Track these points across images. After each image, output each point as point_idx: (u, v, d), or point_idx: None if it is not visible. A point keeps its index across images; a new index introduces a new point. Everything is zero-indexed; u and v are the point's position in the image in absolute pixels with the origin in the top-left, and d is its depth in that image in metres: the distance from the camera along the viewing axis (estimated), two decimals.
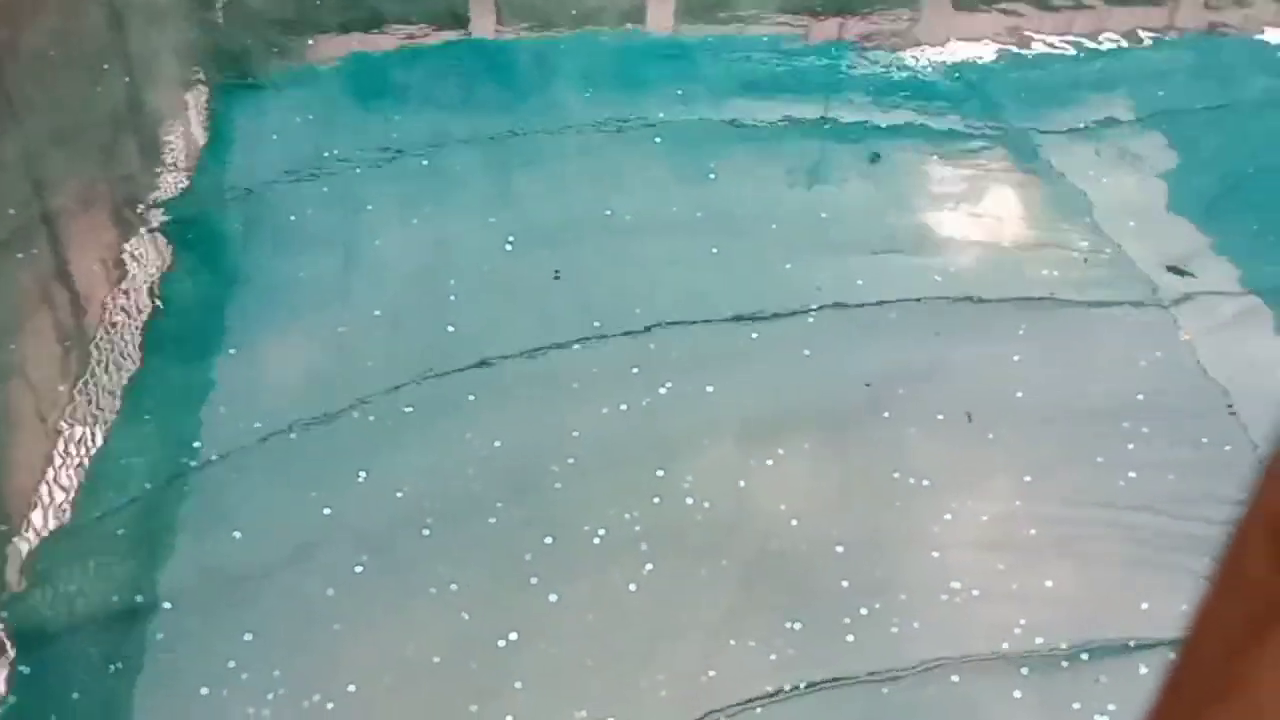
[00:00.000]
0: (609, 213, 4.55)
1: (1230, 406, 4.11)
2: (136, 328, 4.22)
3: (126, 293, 4.35)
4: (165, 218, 4.76)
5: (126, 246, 4.56)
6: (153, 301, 4.35)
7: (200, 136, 5.43)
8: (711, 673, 3.27)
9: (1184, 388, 4.17)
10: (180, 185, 5.04)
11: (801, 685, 3.27)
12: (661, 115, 5.10)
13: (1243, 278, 4.78)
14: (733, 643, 3.34)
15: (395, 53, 6.05)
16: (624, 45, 5.93)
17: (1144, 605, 3.39)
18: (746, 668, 3.29)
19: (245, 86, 5.75)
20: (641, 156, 4.90)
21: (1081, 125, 5.78)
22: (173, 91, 5.68)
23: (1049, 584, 3.45)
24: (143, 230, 4.67)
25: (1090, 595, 3.45)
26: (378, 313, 4.13)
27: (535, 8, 6.30)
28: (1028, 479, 3.79)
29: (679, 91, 5.27)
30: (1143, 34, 6.58)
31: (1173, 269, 4.85)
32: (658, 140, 4.98)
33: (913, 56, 6.24)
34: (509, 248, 4.40)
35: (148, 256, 4.58)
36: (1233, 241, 5.01)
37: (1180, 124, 5.86)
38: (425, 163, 4.89)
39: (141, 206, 4.76)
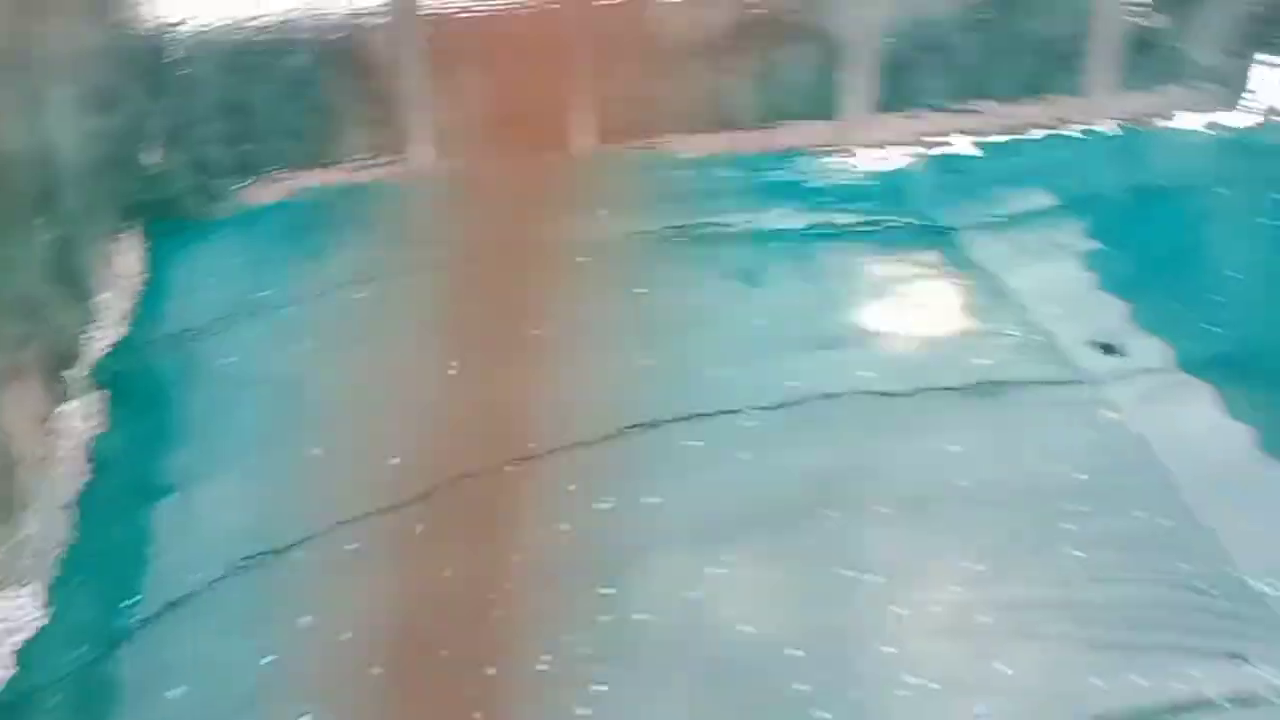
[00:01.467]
0: (536, 333, 4.60)
1: (1167, 480, 4.15)
2: (71, 490, 4.15)
3: (60, 456, 4.29)
4: (99, 373, 4.73)
5: (59, 407, 4.51)
6: (87, 462, 4.29)
7: (136, 285, 5.44)
8: None
9: (1122, 464, 4.21)
10: (114, 337, 5.03)
11: None
12: (581, 235, 5.19)
13: (1170, 355, 4.87)
14: None
15: (333, 189, 6.14)
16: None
17: (1098, 682, 3.36)
18: None
19: (181, 231, 5.80)
20: (566, 275, 4.97)
21: (1003, 217, 5.96)
22: (107, 241, 5.70)
23: (1009, 671, 3.41)
24: (75, 388, 4.63)
25: (1048, 677, 3.41)
26: (317, 451, 4.10)
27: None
28: (979, 567, 3.78)
29: (603, 211, 5.37)
30: (1058, 128, 6.82)
31: (1103, 347, 4.94)
32: (580, 259, 5.06)
33: (837, 162, 6.44)
34: (452, 373, 4.42)
35: (81, 415, 4.54)
36: (1157, 321, 5.11)
37: (1098, 211, 6.05)
38: (361, 296, 4.92)
39: (75, 364, 4.74)
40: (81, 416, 4.49)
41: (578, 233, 5.23)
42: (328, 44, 6.19)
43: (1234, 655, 3.47)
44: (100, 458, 4.28)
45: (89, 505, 4.05)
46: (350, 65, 6.37)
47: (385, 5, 6.19)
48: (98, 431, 4.43)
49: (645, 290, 4.90)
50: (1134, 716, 3.27)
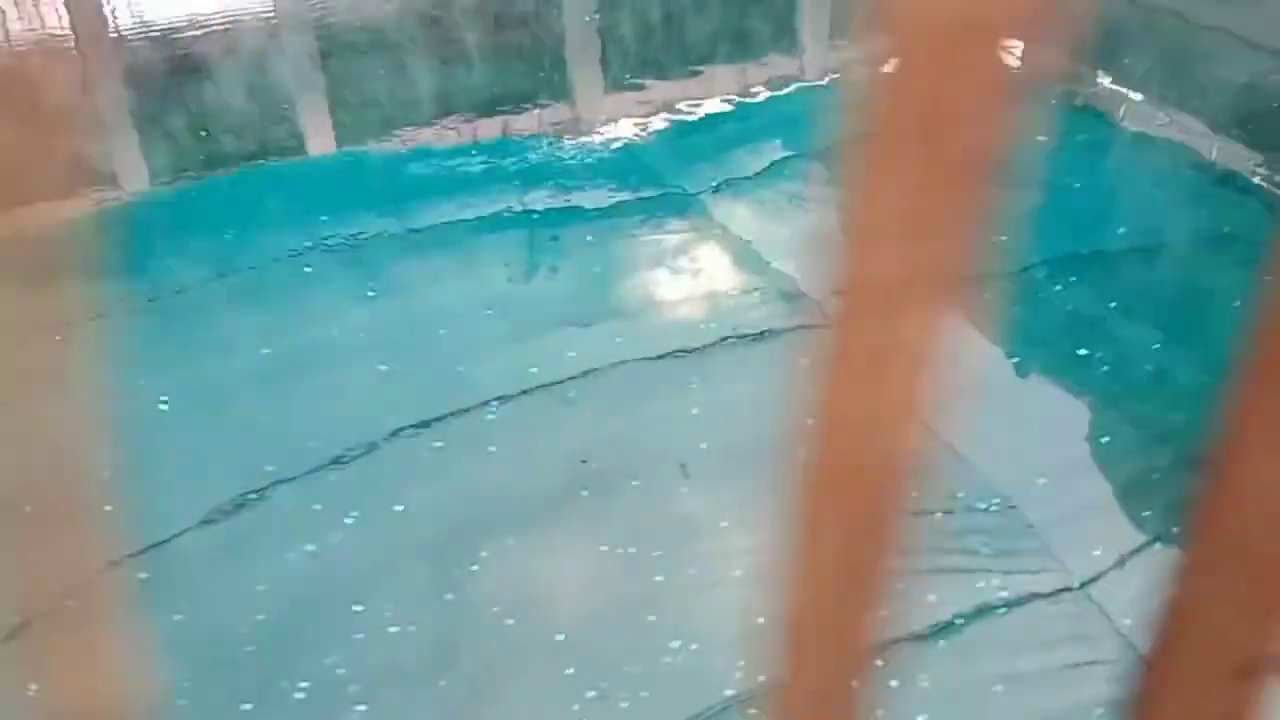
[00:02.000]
0: (266, 352, 4.39)
1: None
2: None
3: None
4: None
5: None
6: None
7: None
8: None
9: None
10: None
11: None
12: (307, 242, 5.00)
13: None
14: None
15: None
16: (279, 176, 5.84)
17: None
18: None
19: None
20: (296, 285, 4.78)
21: (742, 176, 6.07)
22: None
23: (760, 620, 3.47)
24: None
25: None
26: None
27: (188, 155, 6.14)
28: (726, 523, 3.84)
29: (323, 217, 5.19)
30: (785, 85, 7.00)
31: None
32: (308, 269, 4.87)
33: (574, 141, 6.42)
34: (164, 408, 4.17)
35: None
36: None
37: (831, 161, 6.23)
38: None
39: None
40: None
41: (299, 241, 5.03)
42: None
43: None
44: None
45: None
46: None
47: None
48: None
49: (375, 295, 4.74)
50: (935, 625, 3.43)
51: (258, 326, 4.52)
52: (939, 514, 3.88)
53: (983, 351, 4.67)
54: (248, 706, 3.22)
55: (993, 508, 3.91)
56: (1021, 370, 4.69)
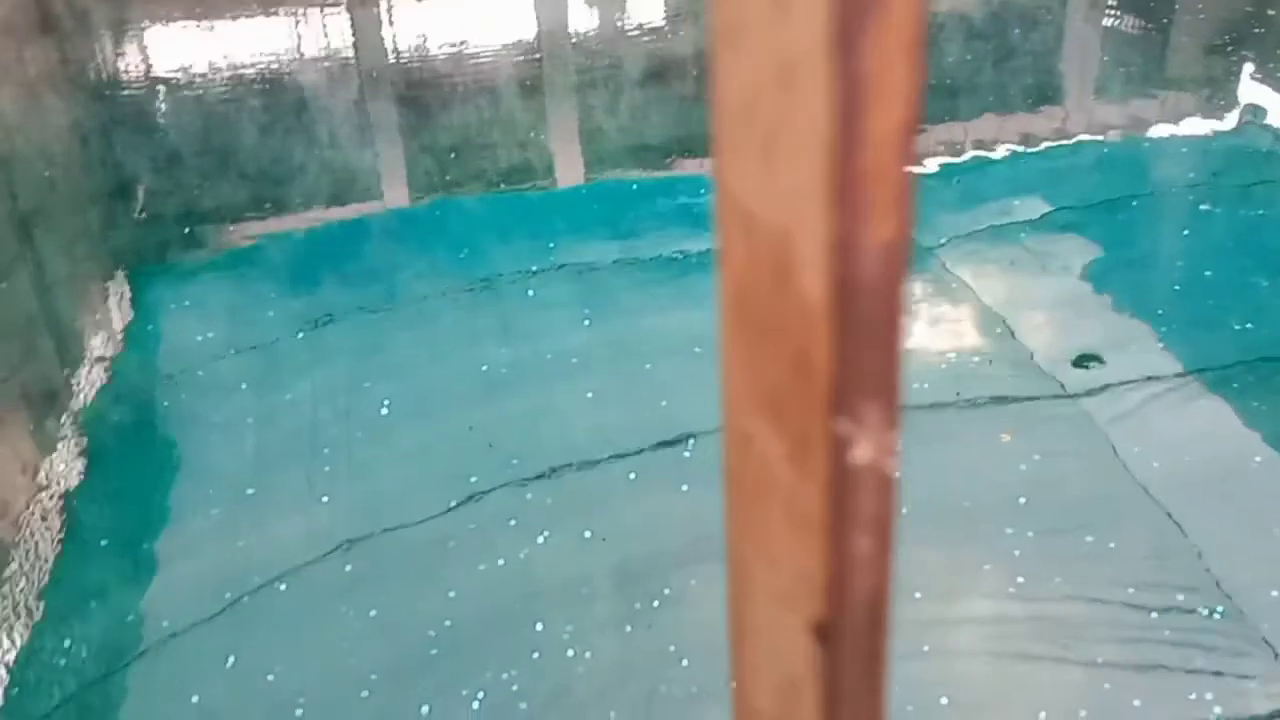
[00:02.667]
0: (485, 368, 4.56)
1: (1149, 493, 4.04)
2: (55, 535, 4.17)
3: (43, 500, 4.32)
4: (84, 419, 4.77)
5: (44, 452, 4.55)
6: (70, 507, 4.31)
7: (119, 332, 5.49)
8: None
9: (1102, 478, 4.10)
10: (99, 383, 5.07)
11: None
12: (535, 266, 5.16)
13: (1151, 365, 4.75)
14: None
15: (310, 231, 6.18)
16: (522, 201, 6.08)
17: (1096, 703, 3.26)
18: None
19: (163, 276, 5.86)
20: (519, 306, 4.95)
21: (982, 231, 5.85)
22: (91, 289, 5.78)
23: (944, 701, 3.31)
24: (61, 434, 4.66)
25: (1038, 701, 3.31)
26: (250, 492, 4.09)
27: (444, 172, 6.48)
28: (950, 587, 3.68)
29: (551, 245, 5.35)
30: (1039, 139, 6.74)
31: (1079, 362, 4.84)
32: (531, 293, 5.03)
33: None
34: (385, 411, 4.39)
35: (66, 460, 4.56)
36: (1141, 331, 5.00)
37: (1081, 222, 5.94)
38: (300, 337, 4.92)
39: (60, 410, 4.78)
40: (66, 459, 4.53)
41: (524, 265, 5.21)
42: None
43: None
44: (84, 498, 4.30)
45: (73, 547, 4.06)
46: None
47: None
48: (85, 473, 4.46)
49: (592, 322, 4.84)
50: None
51: (478, 342, 4.71)
52: (1156, 611, 3.60)
53: (1241, 440, 4.32)
54: (425, 709, 3.33)
55: (1217, 613, 3.59)
56: (1270, 463, 4.30)
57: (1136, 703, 3.31)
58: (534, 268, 5.24)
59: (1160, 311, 5.06)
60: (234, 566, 3.79)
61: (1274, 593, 3.63)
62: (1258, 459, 4.21)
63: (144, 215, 6.41)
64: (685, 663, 3.43)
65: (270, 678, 3.40)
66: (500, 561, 3.72)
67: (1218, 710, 3.29)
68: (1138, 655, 3.49)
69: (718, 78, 0.56)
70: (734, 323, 0.61)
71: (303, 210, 6.21)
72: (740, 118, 0.55)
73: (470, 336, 4.73)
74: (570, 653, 3.44)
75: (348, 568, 3.78)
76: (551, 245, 5.38)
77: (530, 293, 5.03)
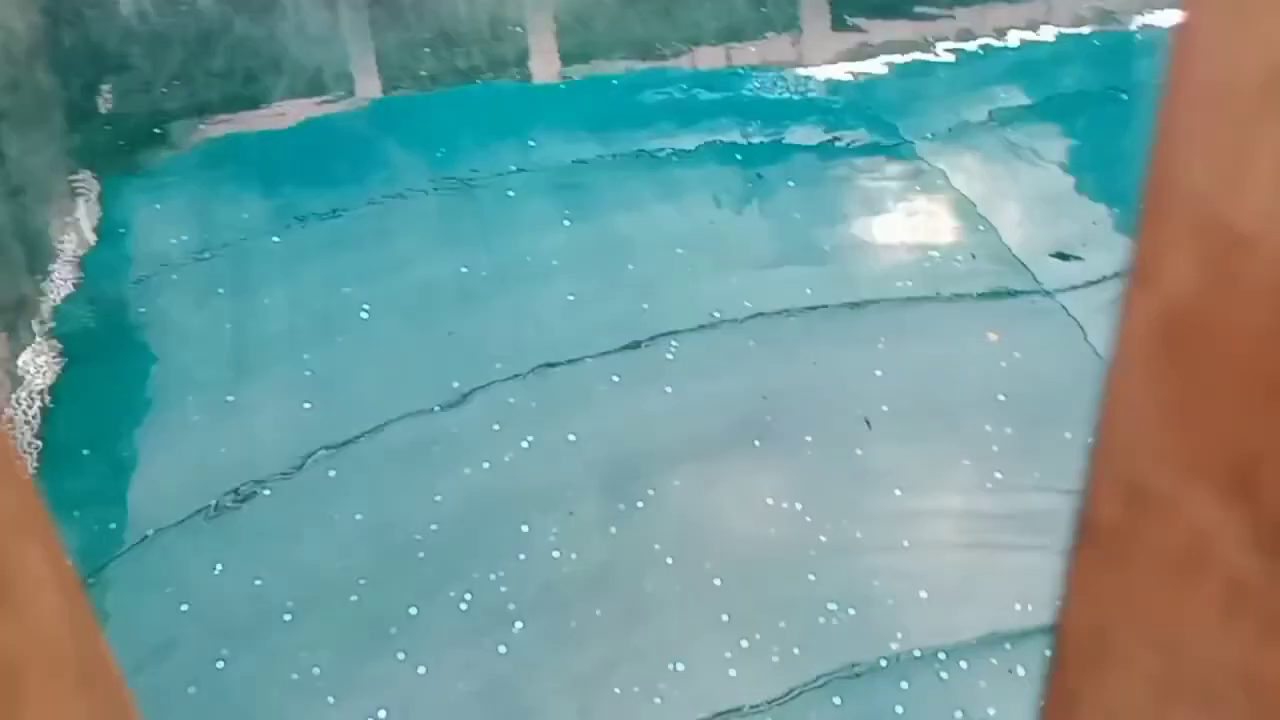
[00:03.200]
0: (464, 270, 4.50)
1: None
2: (31, 442, 4.14)
3: (18, 403, 4.28)
4: (56, 321, 4.71)
5: (18, 357, 4.50)
6: (44, 409, 4.28)
7: (90, 233, 5.39)
8: None
9: (1080, 373, 4.13)
10: (71, 285, 4.99)
11: None
12: (513, 166, 5.06)
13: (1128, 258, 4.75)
14: (616, 691, 3.25)
15: (281, 129, 6.04)
16: (498, 95, 5.95)
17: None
18: (632, 714, 3.21)
19: (133, 176, 5.73)
20: (499, 206, 4.86)
21: (964, 124, 5.79)
22: (59, 192, 5.65)
23: (923, 594, 3.38)
24: (33, 341, 4.61)
25: (1003, 587, 3.39)
26: (231, 398, 4.07)
27: (418, 66, 6.32)
28: (910, 483, 3.73)
29: (530, 144, 5.24)
30: (1019, 32, 6.61)
31: (1058, 255, 4.84)
32: (511, 193, 4.94)
33: (797, 77, 6.26)
34: (365, 315, 4.34)
35: (40, 363, 4.52)
36: (1123, 224, 4.99)
37: (1065, 114, 5.88)
38: (276, 240, 4.84)
39: (31, 316, 4.71)
40: (39, 362, 4.48)
41: (506, 163, 5.10)
42: None
43: None
44: (58, 401, 4.27)
45: (48, 451, 4.05)
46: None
47: None
48: (58, 376, 4.42)
49: (573, 222, 4.76)
50: None
51: (456, 244, 4.64)
52: None
53: None
54: (414, 610, 3.37)
55: None
56: None
57: None
58: (512, 166, 5.15)
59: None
60: (217, 473, 3.79)
61: None
62: None
63: (111, 114, 6.24)
64: (670, 561, 3.48)
65: (258, 583, 3.43)
66: (485, 465, 3.73)
67: None
68: None
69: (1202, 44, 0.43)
70: (1160, 355, 0.47)
71: (273, 107, 6.05)
72: (1243, 95, 0.41)
73: (449, 238, 4.65)
74: (556, 554, 3.48)
75: (331, 473, 3.78)
76: (531, 143, 5.28)
77: (509, 192, 4.95)
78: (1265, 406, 0.43)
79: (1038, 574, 3.49)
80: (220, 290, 4.68)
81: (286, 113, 6.13)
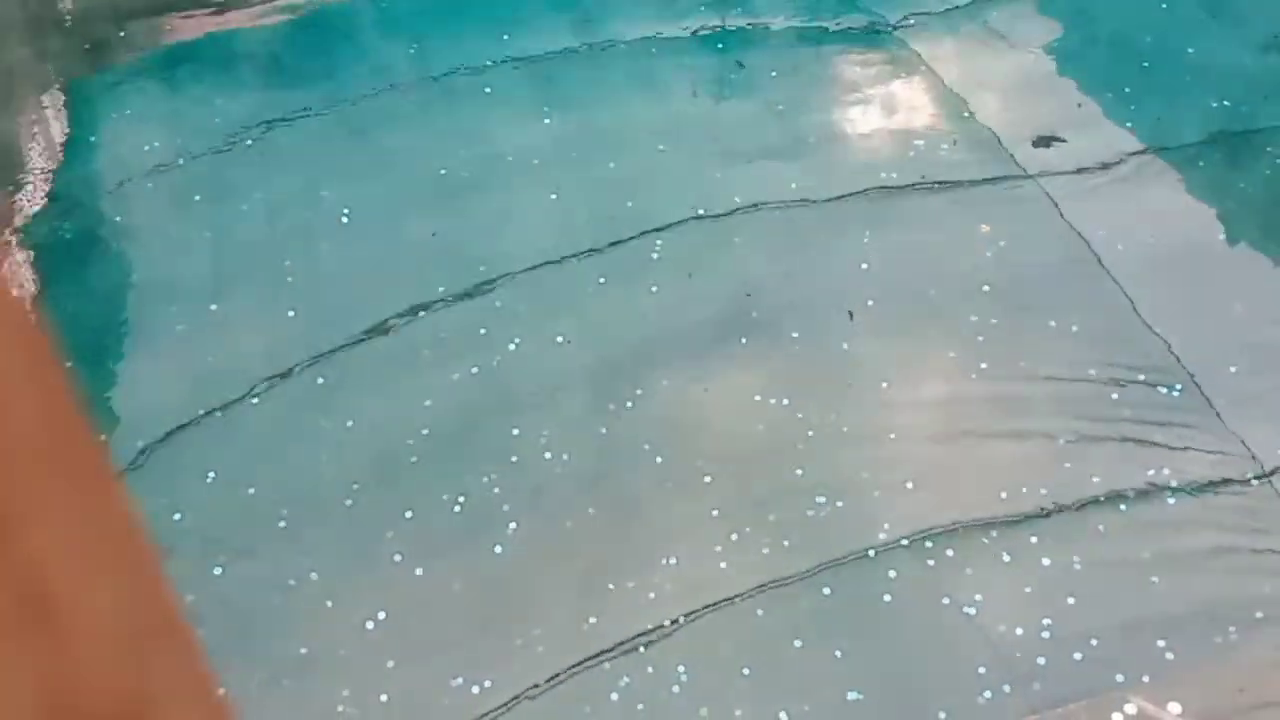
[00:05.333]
0: (444, 171, 4.43)
1: (1110, 274, 4.09)
2: None
3: None
4: (29, 234, 4.64)
5: None
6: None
7: (59, 142, 5.28)
8: (592, 620, 3.26)
9: (1065, 261, 4.14)
10: (43, 197, 4.91)
11: (682, 618, 3.26)
12: (489, 60, 4.94)
13: (1116, 145, 4.71)
14: (611, 587, 3.32)
15: (249, 27, 5.87)
16: None
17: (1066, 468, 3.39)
18: (627, 608, 3.28)
19: (99, 82, 5.59)
20: (475, 104, 4.76)
21: (944, 8, 5.67)
22: (22, 101, 5.52)
23: (909, 485, 3.43)
24: (8, 252, 4.54)
25: (1001, 474, 3.44)
26: (214, 307, 4.04)
27: None
28: (894, 375, 3.75)
29: (505, 37, 5.11)
30: None
31: (1040, 141, 4.80)
32: (488, 90, 4.84)
33: None
34: (345, 220, 4.29)
35: (15, 278, 4.47)
36: (1107, 106, 4.93)
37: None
38: (250, 144, 4.74)
39: (3, 225, 4.64)
40: (16, 277, 4.43)
41: (479, 58, 4.97)
42: None
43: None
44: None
45: None
46: None
47: None
48: (36, 290, 4.38)
49: (552, 118, 4.67)
50: (1092, 502, 3.36)
51: (435, 143, 4.56)
52: (1116, 390, 3.70)
53: (1198, 214, 4.35)
54: (409, 514, 3.41)
55: (1176, 387, 3.70)
56: (1237, 238, 4.33)
57: (1095, 479, 3.45)
58: (488, 61, 5.03)
59: (1127, 90, 4.98)
60: (204, 382, 3.78)
61: (1232, 369, 3.74)
62: (1220, 237, 4.25)
63: (73, 16, 6.05)
64: (659, 459, 3.51)
65: (251, 491, 3.46)
66: (474, 369, 3.74)
67: (1173, 483, 3.44)
68: (1096, 433, 3.61)
69: None
70: None
71: (241, 5, 5.88)
72: None
73: (427, 138, 4.57)
74: (548, 455, 3.51)
75: (320, 380, 3.78)
76: (505, 36, 5.15)
77: (486, 89, 4.85)
78: None
79: (1022, 461, 3.55)
80: (196, 198, 4.60)
81: (254, 11, 5.96)
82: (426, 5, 5.59)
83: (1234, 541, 3.38)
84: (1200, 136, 4.69)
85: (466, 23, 5.32)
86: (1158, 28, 5.38)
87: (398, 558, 3.33)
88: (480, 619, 3.22)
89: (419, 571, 3.30)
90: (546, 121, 4.62)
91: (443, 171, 4.40)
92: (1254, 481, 3.47)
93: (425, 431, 3.60)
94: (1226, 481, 3.51)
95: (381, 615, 3.22)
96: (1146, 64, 5.16)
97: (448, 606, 3.24)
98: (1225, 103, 4.75)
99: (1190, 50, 5.12)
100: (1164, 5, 5.46)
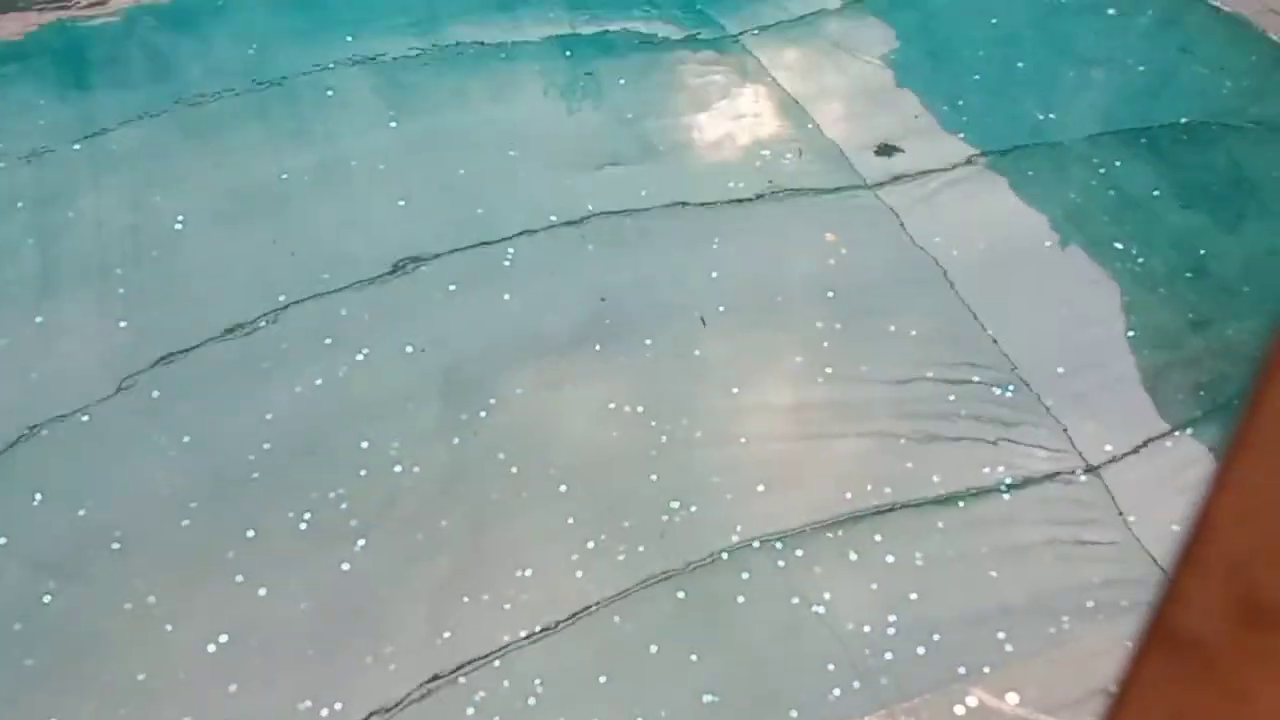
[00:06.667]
0: (285, 176, 4.30)
1: (945, 277, 4.23)
2: None
3: None
4: None
5: None
6: None
7: None
8: (446, 634, 3.20)
9: (904, 266, 4.26)
10: None
11: (538, 629, 3.23)
12: (332, 62, 4.82)
13: (950, 153, 4.89)
14: (465, 600, 3.27)
15: (77, 25, 5.58)
16: None
17: (906, 467, 3.47)
18: (482, 621, 3.23)
19: None
20: (317, 106, 4.63)
21: (788, 19, 5.79)
22: None
23: (760, 488, 3.49)
24: None
25: (844, 476, 3.51)
26: (39, 319, 3.82)
27: None
28: (739, 379, 3.81)
29: (349, 39, 4.99)
30: None
31: (881, 150, 4.94)
32: (330, 92, 4.72)
33: None
34: (179, 227, 4.11)
35: None
36: (942, 116, 5.12)
37: (883, 7, 5.93)
38: (77, 147, 4.50)
39: None
40: None
41: (324, 59, 4.84)
42: None
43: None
44: None
45: None
46: None
47: None
48: None
49: (399, 122, 4.58)
50: (933, 501, 3.46)
51: (275, 147, 4.42)
52: (954, 392, 3.84)
53: (1027, 221, 4.54)
54: (251, 533, 3.29)
55: (1009, 387, 3.86)
56: (1063, 243, 4.55)
57: (936, 478, 3.57)
58: (330, 62, 4.90)
59: (961, 102, 5.18)
60: (29, 400, 3.58)
61: (1059, 369, 3.93)
62: (1047, 243, 4.45)
63: None
64: (514, 469, 3.48)
65: (81, 512, 3.28)
66: (318, 381, 3.63)
67: (1007, 480, 3.59)
68: (937, 432, 3.74)
69: None
70: None
71: (70, 3, 5.58)
72: None
73: (266, 141, 4.42)
74: (398, 468, 3.43)
75: (154, 393, 3.62)
76: (349, 38, 5.03)
77: (329, 91, 4.72)
78: None
79: (866, 462, 3.65)
80: (19, 204, 4.35)
81: (83, 9, 5.67)
82: (266, 5, 5.42)
83: (1065, 534, 3.54)
84: (1028, 146, 4.91)
85: (308, 23, 5.18)
86: (989, 43, 5.61)
87: (240, 578, 3.21)
88: (329, 638, 3.13)
89: (262, 592, 3.18)
90: (393, 125, 4.53)
91: (284, 176, 4.27)
92: (1082, 476, 3.65)
93: (267, 446, 3.48)
94: (1057, 476, 3.68)
95: (224, 638, 3.09)
96: (978, 77, 5.38)
97: (294, 627, 3.14)
98: (1051, 115, 4.99)
99: (1020, 65, 5.36)
100: (994, 21, 5.70)
